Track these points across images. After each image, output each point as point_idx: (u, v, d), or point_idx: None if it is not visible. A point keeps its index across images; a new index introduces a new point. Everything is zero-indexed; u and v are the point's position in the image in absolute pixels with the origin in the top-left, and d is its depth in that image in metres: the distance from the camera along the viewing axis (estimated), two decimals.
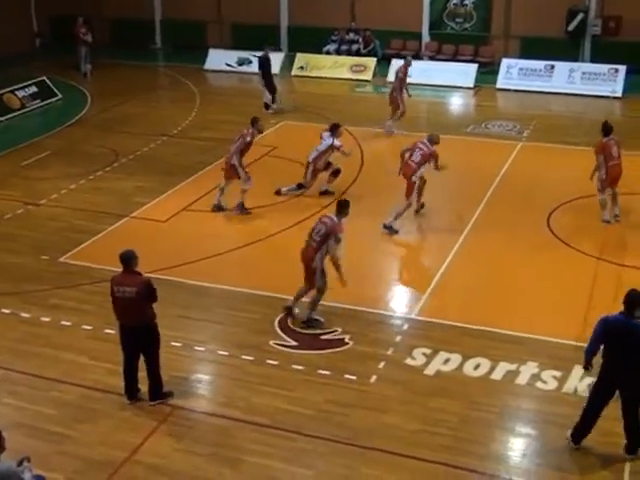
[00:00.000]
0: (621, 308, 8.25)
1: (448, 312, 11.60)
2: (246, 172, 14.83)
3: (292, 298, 11.28)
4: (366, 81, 25.94)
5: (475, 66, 25.60)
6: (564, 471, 8.50)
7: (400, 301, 12.29)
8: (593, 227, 14.28)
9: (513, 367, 10.20)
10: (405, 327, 11.32)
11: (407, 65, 20.06)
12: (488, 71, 25.88)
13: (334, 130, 15.69)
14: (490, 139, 19.68)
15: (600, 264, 12.95)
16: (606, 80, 23.84)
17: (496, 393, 9.78)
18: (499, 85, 24.77)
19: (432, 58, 27.32)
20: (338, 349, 10.68)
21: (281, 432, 9.09)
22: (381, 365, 10.33)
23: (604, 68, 24.06)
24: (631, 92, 23.15)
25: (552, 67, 24.70)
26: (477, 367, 10.24)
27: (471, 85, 24.94)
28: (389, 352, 10.61)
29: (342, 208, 10.98)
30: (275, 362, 10.38)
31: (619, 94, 23.29)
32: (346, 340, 10.85)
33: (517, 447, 8.95)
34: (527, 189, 16.05)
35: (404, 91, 19.79)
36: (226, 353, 10.66)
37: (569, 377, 9.96)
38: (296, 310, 11.29)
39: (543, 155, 18.18)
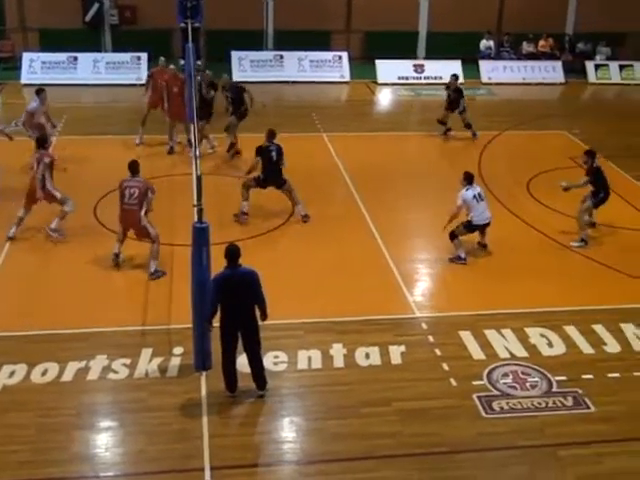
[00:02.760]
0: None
1: (3, 322, 11.01)
2: None
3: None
4: None
5: None
6: (146, 453, 8.67)
7: None
8: None
9: (82, 364, 10.06)
10: None
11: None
12: (10, 67, 24.94)
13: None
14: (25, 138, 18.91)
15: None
16: (130, 68, 24.47)
17: (70, 394, 9.56)
18: (24, 80, 24.01)
19: None
20: None
21: None
22: None
23: (127, 57, 24.69)
24: None
25: (75, 59, 24.65)
26: (45, 373, 9.90)
27: None
28: None
29: (136, 166, 12.45)
30: None
31: (143, 81, 23.96)
32: None
33: (100, 443, 8.88)
34: (70, 182, 15.72)
35: None
36: None
37: (138, 362, 10.15)
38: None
39: (80, 147, 18.04)
